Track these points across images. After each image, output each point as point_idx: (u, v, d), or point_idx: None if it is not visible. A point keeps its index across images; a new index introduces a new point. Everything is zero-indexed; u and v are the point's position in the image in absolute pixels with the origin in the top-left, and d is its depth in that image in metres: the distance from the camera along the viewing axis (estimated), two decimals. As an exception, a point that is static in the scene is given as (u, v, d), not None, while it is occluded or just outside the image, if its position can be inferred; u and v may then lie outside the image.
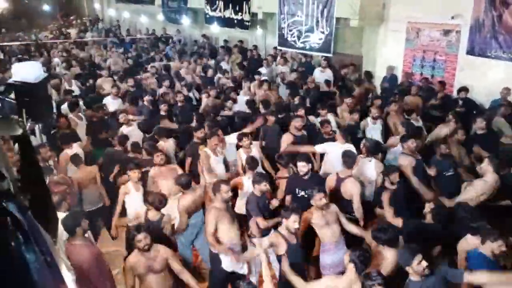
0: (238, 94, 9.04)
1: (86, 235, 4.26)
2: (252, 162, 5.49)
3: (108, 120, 7.80)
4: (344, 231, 4.69)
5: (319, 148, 6.06)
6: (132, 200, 5.47)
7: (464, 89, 8.00)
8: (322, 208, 4.57)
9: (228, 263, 4.64)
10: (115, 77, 10.64)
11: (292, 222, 4.16)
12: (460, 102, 7.79)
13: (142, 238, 4.02)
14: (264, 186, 4.90)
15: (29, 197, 1.90)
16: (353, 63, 10.66)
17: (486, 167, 5.04)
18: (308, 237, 4.84)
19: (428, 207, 4.46)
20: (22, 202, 1.50)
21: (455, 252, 4.19)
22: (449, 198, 5.20)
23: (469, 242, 4.04)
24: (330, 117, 7.26)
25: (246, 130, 6.66)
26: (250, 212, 4.95)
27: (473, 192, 5.01)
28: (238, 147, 6.43)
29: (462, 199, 4.96)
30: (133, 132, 7.14)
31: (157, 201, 4.80)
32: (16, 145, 3.21)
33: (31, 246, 1.11)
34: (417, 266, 3.37)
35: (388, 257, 3.84)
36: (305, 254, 4.65)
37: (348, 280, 3.53)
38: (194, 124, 7.12)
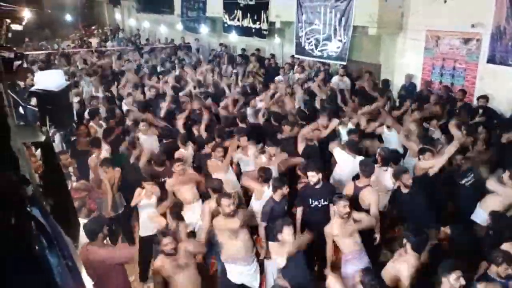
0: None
1: (104, 241, 4.32)
2: (264, 174, 5.37)
3: (127, 128, 7.91)
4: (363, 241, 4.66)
5: (337, 152, 6.00)
6: (145, 207, 5.53)
7: (483, 97, 7.88)
8: (343, 217, 4.52)
9: (236, 275, 4.65)
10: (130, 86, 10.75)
11: (286, 235, 4.14)
12: (480, 111, 7.67)
13: (168, 242, 4.13)
14: (286, 189, 4.89)
15: (51, 202, 1.94)
16: (368, 70, 10.58)
17: (507, 179, 4.95)
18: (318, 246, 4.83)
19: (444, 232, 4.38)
20: (45, 207, 1.54)
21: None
22: (470, 208, 5.11)
23: None
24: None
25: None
26: (261, 215, 4.97)
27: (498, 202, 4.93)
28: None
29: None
30: (149, 140, 7.25)
31: (174, 209, 4.88)
32: (39, 151, 3.28)
33: (54, 250, 1.14)
34: (454, 281, 3.35)
35: (409, 261, 3.78)
36: (309, 264, 4.62)
37: None
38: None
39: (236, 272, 4.70)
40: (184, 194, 5.70)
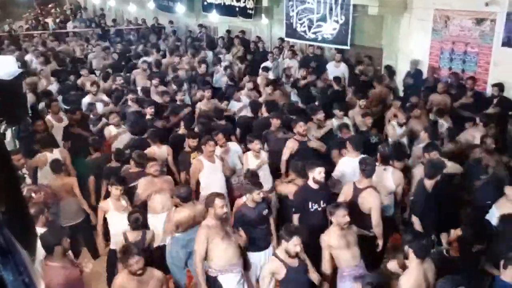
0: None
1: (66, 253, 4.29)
2: (251, 176, 5.41)
3: (92, 122, 7.85)
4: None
5: (337, 173, 6.02)
6: (113, 219, 5.46)
7: (498, 85, 7.99)
8: (343, 228, 4.55)
9: (234, 285, 4.66)
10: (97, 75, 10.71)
11: (293, 245, 4.16)
12: (495, 100, 7.79)
13: (134, 262, 4.04)
14: (257, 195, 4.89)
15: (3, 209, 1.91)
16: (368, 55, 10.63)
17: None
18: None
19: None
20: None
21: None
22: (485, 207, 5.22)
23: None
24: (347, 120, 7.34)
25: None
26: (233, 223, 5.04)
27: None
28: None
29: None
30: (122, 135, 7.26)
31: (132, 220, 4.87)
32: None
33: (8, 266, 1.12)
34: None
35: (412, 269, 3.83)
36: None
37: None
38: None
39: (234, 282, 4.70)
40: (155, 201, 5.69)
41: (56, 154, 6.45)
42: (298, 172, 5.66)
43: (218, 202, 4.57)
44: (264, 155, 6.36)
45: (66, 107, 8.78)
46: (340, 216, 4.50)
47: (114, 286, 4.14)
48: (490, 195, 5.37)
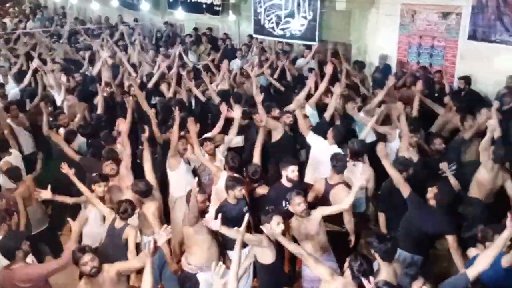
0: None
1: (28, 259, 4.19)
2: (232, 162, 5.42)
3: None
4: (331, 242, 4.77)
5: (311, 137, 6.06)
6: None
7: (465, 78, 8.18)
8: (302, 216, 4.56)
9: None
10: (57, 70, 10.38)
11: (275, 224, 4.15)
12: (462, 93, 7.95)
13: (88, 260, 3.86)
14: (239, 192, 4.89)
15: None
16: (335, 50, 10.71)
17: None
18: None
19: (432, 191, 4.51)
20: None
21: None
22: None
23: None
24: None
25: (210, 134, 6.56)
26: None
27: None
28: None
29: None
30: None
31: (121, 209, 4.77)
32: None
33: None
34: None
35: (381, 271, 3.87)
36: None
37: (344, 282, 3.66)
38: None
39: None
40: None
41: (13, 158, 6.28)
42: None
43: (199, 197, 4.57)
44: (219, 155, 6.19)
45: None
46: (295, 204, 4.51)
47: None
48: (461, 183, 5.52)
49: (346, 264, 3.68)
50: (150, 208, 5.06)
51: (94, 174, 5.55)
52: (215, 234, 4.71)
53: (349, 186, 5.18)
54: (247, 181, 5.40)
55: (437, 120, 7.25)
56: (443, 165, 5.53)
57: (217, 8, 13.74)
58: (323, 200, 5.16)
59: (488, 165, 5.28)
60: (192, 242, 4.71)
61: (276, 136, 6.43)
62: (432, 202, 4.46)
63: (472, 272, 3.56)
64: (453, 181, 5.41)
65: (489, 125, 5.45)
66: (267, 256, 4.41)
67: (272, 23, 11.26)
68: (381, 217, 5.35)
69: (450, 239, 4.41)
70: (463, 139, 6.24)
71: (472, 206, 4.96)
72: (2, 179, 6.30)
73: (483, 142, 5.40)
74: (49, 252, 5.99)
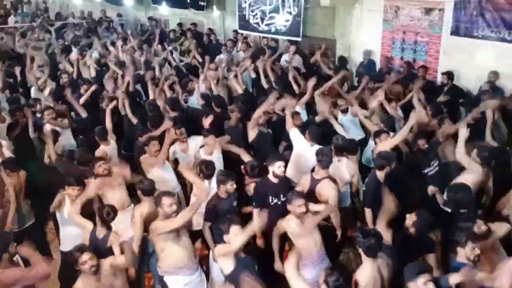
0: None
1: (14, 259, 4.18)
2: (206, 169, 5.29)
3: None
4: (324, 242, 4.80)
5: (293, 133, 6.12)
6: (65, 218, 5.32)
7: (448, 74, 8.30)
8: (300, 216, 4.62)
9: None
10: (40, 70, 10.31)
11: (234, 235, 4.17)
12: (445, 89, 8.08)
13: (87, 259, 3.99)
14: (231, 186, 4.93)
15: None
16: (320, 46, 10.78)
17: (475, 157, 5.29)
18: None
19: (410, 219, 4.40)
20: None
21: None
22: (434, 200, 5.42)
23: None
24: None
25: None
26: (204, 213, 5.01)
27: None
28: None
29: None
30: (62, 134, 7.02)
31: (104, 213, 4.74)
32: None
33: None
34: (422, 286, 3.49)
35: (365, 266, 3.93)
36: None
37: None
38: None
39: (180, 284, 4.71)
40: (111, 200, 5.54)
41: (6, 151, 6.26)
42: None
43: (165, 200, 4.54)
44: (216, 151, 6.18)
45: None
46: (296, 206, 4.57)
47: None
48: (442, 185, 5.51)
49: (322, 279, 3.63)
50: (143, 207, 5.03)
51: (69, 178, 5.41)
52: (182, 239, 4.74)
53: (334, 180, 5.26)
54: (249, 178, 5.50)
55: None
56: (431, 190, 5.52)
57: (202, 3, 13.72)
58: (309, 194, 5.20)
59: (477, 170, 5.21)
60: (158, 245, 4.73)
61: (252, 135, 6.56)
62: (412, 230, 4.38)
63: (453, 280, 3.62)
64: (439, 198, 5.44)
65: (460, 133, 5.41)
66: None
67: (257, 18, 11.32)
68: (368, 212, 5.40)
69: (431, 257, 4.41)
70: (439, 141, 6.30)
71: (462, 191, 4.79)
72: None
73: (458, 149, 5.35)
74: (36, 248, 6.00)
